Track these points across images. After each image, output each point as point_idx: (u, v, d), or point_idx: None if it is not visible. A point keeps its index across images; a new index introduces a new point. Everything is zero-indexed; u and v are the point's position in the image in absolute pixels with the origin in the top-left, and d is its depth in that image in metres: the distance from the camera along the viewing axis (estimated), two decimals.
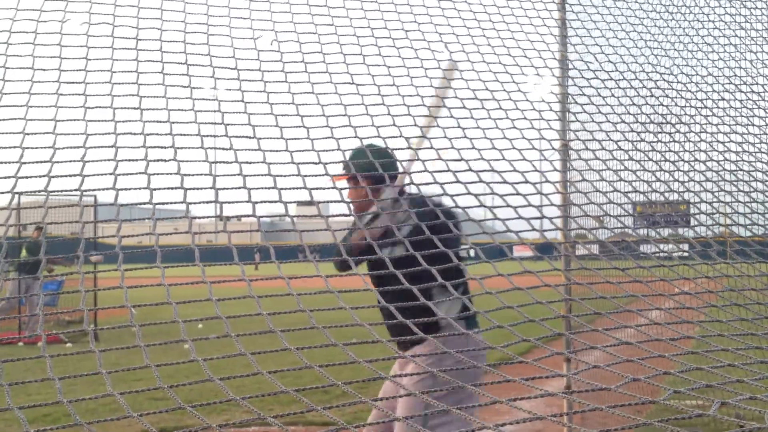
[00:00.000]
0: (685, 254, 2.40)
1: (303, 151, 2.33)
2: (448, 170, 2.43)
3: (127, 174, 2.12)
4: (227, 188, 2.09)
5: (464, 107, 3.02)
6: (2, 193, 2.05)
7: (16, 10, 2.84)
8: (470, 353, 2.29)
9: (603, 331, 1.79)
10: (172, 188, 2.06)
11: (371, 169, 2.70)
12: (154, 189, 2.07)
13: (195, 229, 2.02)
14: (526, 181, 2.50)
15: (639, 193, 2.70)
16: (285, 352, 1.66)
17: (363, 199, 2.94)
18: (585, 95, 3.37)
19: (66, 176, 2.10)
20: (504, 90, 3.16)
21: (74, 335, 10.28)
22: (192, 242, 1.89)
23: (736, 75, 3.85)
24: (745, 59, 3.90)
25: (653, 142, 3.23)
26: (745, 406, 1.48)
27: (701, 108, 3.56)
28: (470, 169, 2.47)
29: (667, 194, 2.71)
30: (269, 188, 2.10)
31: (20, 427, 1.46)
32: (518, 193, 2.39)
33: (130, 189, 2.07)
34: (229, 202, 2.07)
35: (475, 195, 2.32)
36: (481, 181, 2.42)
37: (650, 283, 1.98)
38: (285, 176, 2.17)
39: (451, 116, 2.88)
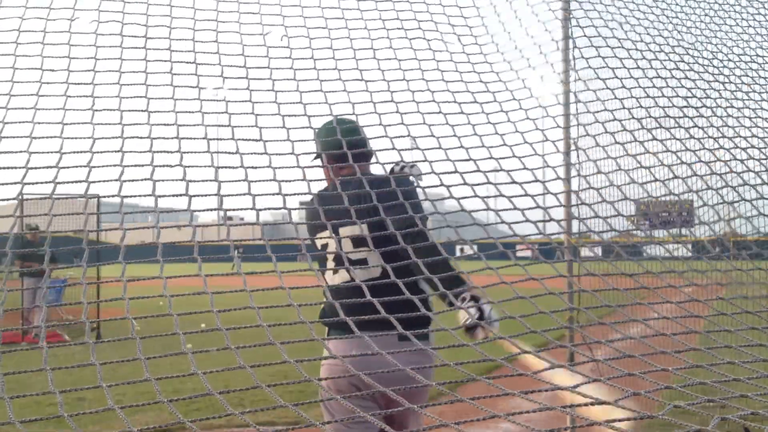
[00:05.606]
0: (696, 257, 2.35)
1: (308, 153, 2.32)
2: (456, 171, 2.40)
3: (133, 180, 2.12)
4: (232, 195, 2.08)
5: (476, 101, 2.98)
6: (8, 199, 2.07)
7: (25, 8, 2.84)
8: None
9: (606, 342, 1.76)
10: (177, 195, 2.06)
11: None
12: (159, 196, 2.07)
13: (198, 234, 2.03)
14: (536, 179, 2.46)
15: (649, 189, 2.64)
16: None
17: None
18: (600, 78, 3.30)
19: (72, 182, 2.11)
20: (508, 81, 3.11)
21: (78, 334, 10.15)
22: (195, 252, 1.89)
23: (758, 55, 3.73)
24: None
25: (672, 128, 3.13)
26: (749, 423, 1.45)
27: (723, 90, 3.45)
28: (476, 168, 2.44)
29: (684, 194, 2.65)
30: (274, 194, 2.09)
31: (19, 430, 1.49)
32: (526, 194, 2.35)
33: (135, 196, 2.08)
34: (233, 209, 2.07)
35: (483, 198, 2.29)
36: (487, 181, 2.39)
37: (657, 290, 1.95)
38: (290, 181, 2.16)
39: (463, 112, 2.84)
